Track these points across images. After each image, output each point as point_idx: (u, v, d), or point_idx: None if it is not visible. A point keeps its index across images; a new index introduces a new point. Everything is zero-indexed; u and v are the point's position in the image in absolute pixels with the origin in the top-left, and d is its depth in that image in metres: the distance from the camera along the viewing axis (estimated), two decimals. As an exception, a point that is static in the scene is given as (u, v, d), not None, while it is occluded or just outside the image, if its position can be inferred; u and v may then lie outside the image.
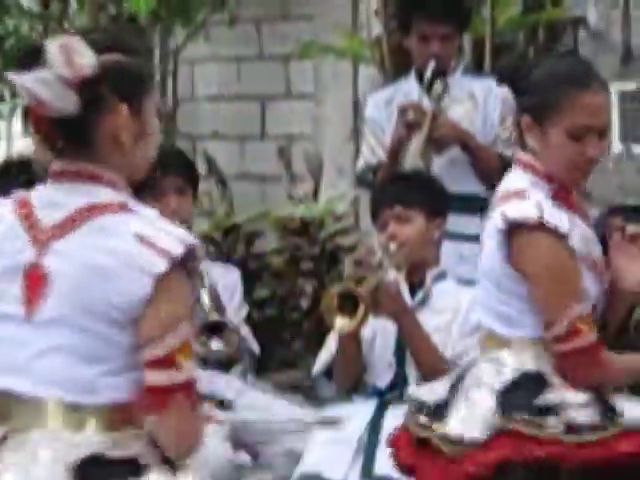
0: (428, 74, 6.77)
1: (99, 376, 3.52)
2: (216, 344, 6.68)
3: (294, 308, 8.98)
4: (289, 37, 12.71)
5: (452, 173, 7.36)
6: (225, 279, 6.74)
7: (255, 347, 7.28)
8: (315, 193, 11.29)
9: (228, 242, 10.24)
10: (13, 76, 3.40)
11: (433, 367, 6.29)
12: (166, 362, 3.35)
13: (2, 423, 3.38)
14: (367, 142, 7.88)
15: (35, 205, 3.59)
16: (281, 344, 8.73)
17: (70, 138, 3.50)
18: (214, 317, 6.43)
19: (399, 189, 6.75)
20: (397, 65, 9.31)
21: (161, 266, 3.38)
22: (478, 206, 6.74)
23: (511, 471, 4.32)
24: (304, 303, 9.20)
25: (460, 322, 6.72)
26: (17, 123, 11.64)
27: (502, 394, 4.33)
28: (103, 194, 3.56)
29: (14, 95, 10.22)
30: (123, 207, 3.53)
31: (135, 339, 3.51)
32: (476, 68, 8.25)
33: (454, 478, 4.32)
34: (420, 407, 4.78)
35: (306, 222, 9.64)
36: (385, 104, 7.75)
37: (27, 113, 3.67)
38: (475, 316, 5.99)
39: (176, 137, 10.77)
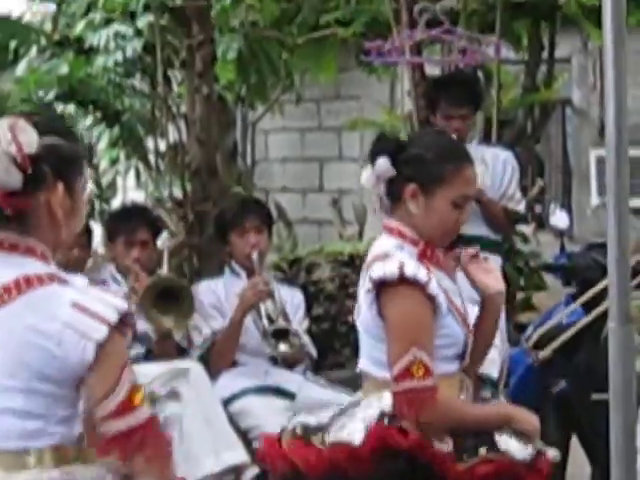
0: None
1: (47, 425, 3.37)
2: (283, 347, 6.87)
3: (343, 323, 8.97)
4: (341, 113, 13.61)
5: (469, 219, 7.56)
6: (292, 299, 6.80)
7: (313, 352, 7.27)
8: (360, 234, 11.35)
9: (292, 271, 10.06)
10: None
11: None
12: (124, 409, 3.14)
13: None
14: None
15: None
16: (333, 351, 8.86)
17: (9, 211, 3.23)
18: (282, 325, 6.64)
19: None
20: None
21: (102, 332, 3.16)
22: (486, 244, 6.65)
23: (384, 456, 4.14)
24: (350, 319, 8.72)
25: None
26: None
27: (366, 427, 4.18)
28: (36, 266, 3.28)
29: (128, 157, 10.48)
30: (55, 278, 3.26)
31: (79, 395, 3.33)
32: (485, 139, 8.13)
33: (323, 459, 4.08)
34: (301, 426, 4.65)
35: (353, 256, 9.51)
36: None
37: None
38: None
39: (253, 190, 10.81)
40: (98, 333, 3.00)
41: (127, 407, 3.13)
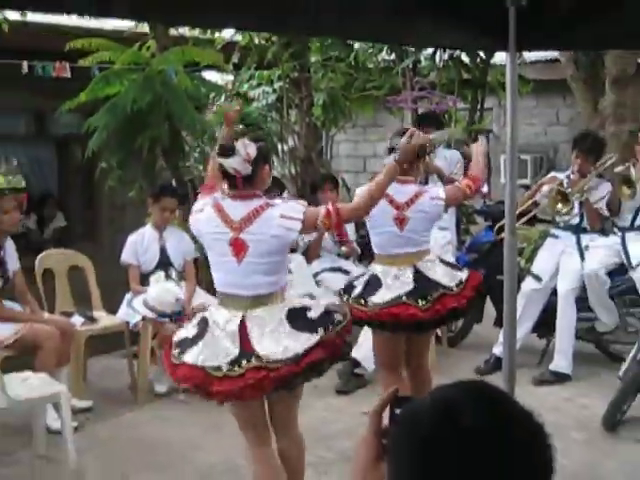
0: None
1: (278, 279, 4.18)
2: (343, 248, 8.00)
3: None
4: (375, 133, 14.08)
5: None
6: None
7: (358, 250, 8.16)
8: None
9: None
10: (223, 161, 4.08)
11: None
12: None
13: None
14: None
15: (226, 210, 4.13)
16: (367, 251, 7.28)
17: (245, 182, 4.09)
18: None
19: None
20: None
21: (297, 226, 4.02)
22: None
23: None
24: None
25: None
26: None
27: None
28: (260, 201, 4.11)
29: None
30: (269, 205, 4.09)
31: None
32: (447, 146, 8.04)
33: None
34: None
35: None
36: None
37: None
38: None
39: (330, 171, 10.59)
40: (296, 225, 4.02)
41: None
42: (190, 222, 4.30)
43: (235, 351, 3.87)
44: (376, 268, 5.26)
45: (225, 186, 4.15)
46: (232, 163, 3.95)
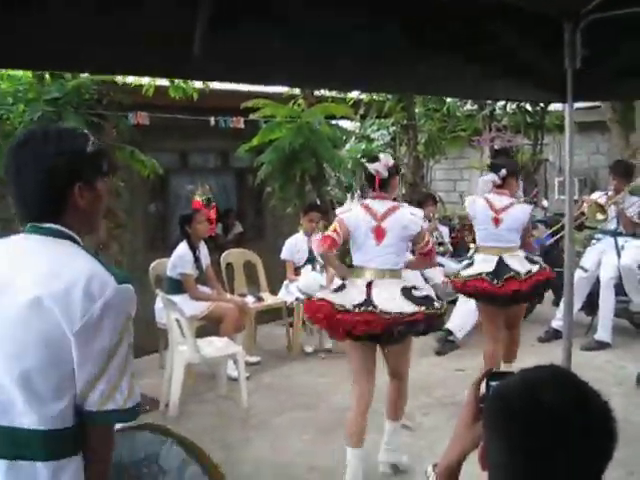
0: None
1: (399, 259, 4.18)
2: None
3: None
4: (462, 163, 13.33)
5: None
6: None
7: None
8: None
9: (443, 220, 9.62)
10: (369, 165, 4.12)
11: None
12: None
13: None
14: None
15: (370, 206, 4.11)
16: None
17: (381, 184, 4.08)
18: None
19: None
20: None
21: (420, 223, 4.11)
22: None
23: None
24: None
25: None
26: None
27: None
28: (393, 202, 4.10)
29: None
30: (401, 206, 4.06)
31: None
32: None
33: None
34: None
35: (459, 216, 8.86)
36: None
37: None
38: None
39: (429, 190, 10.45)
40: (419, 222, 4.08)
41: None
42: (342, 217, 4.19)
43: (360, 298, 3.87)
44: (476, 256, 5.15)
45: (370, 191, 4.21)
46: (375, 166, 4.02)
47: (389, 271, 4.00)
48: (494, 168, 5.07)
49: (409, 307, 3.82)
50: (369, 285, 3.92)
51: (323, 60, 2.41)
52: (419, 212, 4.15)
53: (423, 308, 3.85)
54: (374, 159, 4.11)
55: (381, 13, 2.36)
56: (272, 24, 2.11)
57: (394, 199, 4.23)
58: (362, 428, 3.95)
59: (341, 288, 4.07)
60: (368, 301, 3.83)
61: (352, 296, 3.90)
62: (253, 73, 2.27)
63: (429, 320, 3.90)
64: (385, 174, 4.01)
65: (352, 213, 4.10)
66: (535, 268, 4.94)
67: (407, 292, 3.93)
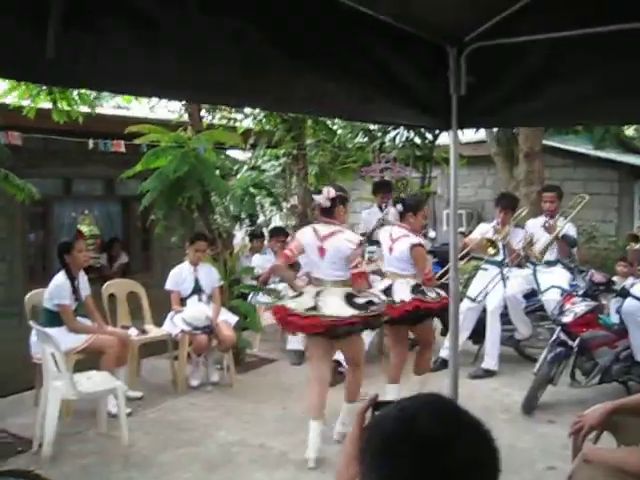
0: None
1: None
2: None
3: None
4: (354, 194, 12.83)
5: None
6: None
7: None
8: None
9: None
10: (314, 196, 4.82)
11: None
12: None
13: None
14: None
15: (317, 228, 4.82)
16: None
17: (324, 212, 4.72)
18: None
19: None
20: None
21: (353, 246, 4.63)
22: None
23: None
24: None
25: None
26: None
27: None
28: (336, 227, 4.73)
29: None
30: (343, 230, 4.68)
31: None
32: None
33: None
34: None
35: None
36: None
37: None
38: None
39: None
40: (355, 242, 4.74)
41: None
42: (297, 236, 5.05)
43: (310, 303, 4.65)
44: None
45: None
46: (318, 198, 4.79)
47: (332, 282, 4.75)
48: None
49: (349, 311, 4.53)
50: (318, 293, 4.68)
51: (194, 69, 2.14)
52: (355, 238, 4.76)
53: (362, 312, 4.56)
54: (318, 192, 4.86)
55: (252, 22, 2.21)
56: (134, 25, 1.88)
57: (342, 223, 4.86)
58: (322, 402, 4.73)
59: (299, 295, 4.82)
60: (316, 306, 4.58)
61: (306, 301, 4.65)
62: (116, 81, 2.02)
63: (365, 322, 4.63)
64: (327, 204, 4.72)
65: (305, 232, 4.89)
66: (408, 297, 5.38)
67: (349, 299, 4.63)
